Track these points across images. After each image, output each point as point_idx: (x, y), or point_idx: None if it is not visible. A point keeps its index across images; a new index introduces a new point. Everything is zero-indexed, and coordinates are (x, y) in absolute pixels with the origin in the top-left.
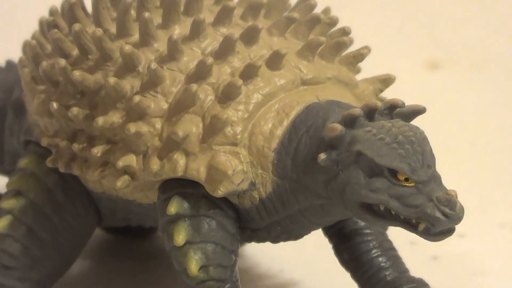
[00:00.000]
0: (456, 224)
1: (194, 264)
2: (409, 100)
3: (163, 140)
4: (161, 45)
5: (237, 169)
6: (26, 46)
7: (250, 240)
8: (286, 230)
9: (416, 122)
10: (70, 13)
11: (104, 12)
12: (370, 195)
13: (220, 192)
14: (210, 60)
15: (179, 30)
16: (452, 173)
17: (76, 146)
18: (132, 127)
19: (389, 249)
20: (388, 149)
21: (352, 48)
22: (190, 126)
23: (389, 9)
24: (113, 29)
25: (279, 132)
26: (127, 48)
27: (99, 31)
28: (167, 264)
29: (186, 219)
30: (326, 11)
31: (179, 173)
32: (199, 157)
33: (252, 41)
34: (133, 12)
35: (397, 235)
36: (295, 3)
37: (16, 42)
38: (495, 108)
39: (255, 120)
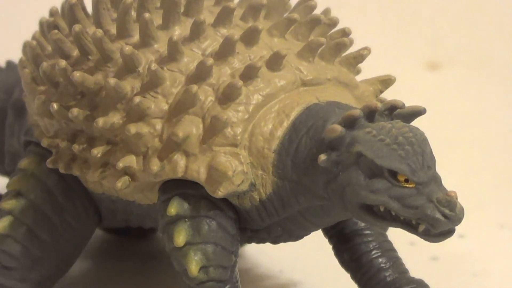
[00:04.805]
0: (456, 225)
1: (194, 265)
2: (409, 100)
3: (163, 141)
4: (161, 46)
5: (237, 170)
6: (26, 47)
7: (250, 241)
8: (286, 231)
9: (416, 122)
10: (71, 14)
11: (105, 13)
12: (370, 196)
13: (220, 193)
14: (210, 61)
15: (179, 31)
16: (452, 173)
17: (76, 147)
18: (133, 128)
19: (389, 250)
20: (388, 150)
21: (352, 49)
22: (190, 127)
23: (389, 10)
24: (113, 30)
25: (279, 133)
26: (128, 49)
27: (99, 32)
28: (167, 264)
29: (186, 220)
30: (326, 12)
31: (179, 174)
32: (199, 158)
33: (252, 42)
34: (133, 13)
35: (397, 235)
36: (295, 4)
37: (16, 42)
38: (495, 108)
39: (255, 121)
